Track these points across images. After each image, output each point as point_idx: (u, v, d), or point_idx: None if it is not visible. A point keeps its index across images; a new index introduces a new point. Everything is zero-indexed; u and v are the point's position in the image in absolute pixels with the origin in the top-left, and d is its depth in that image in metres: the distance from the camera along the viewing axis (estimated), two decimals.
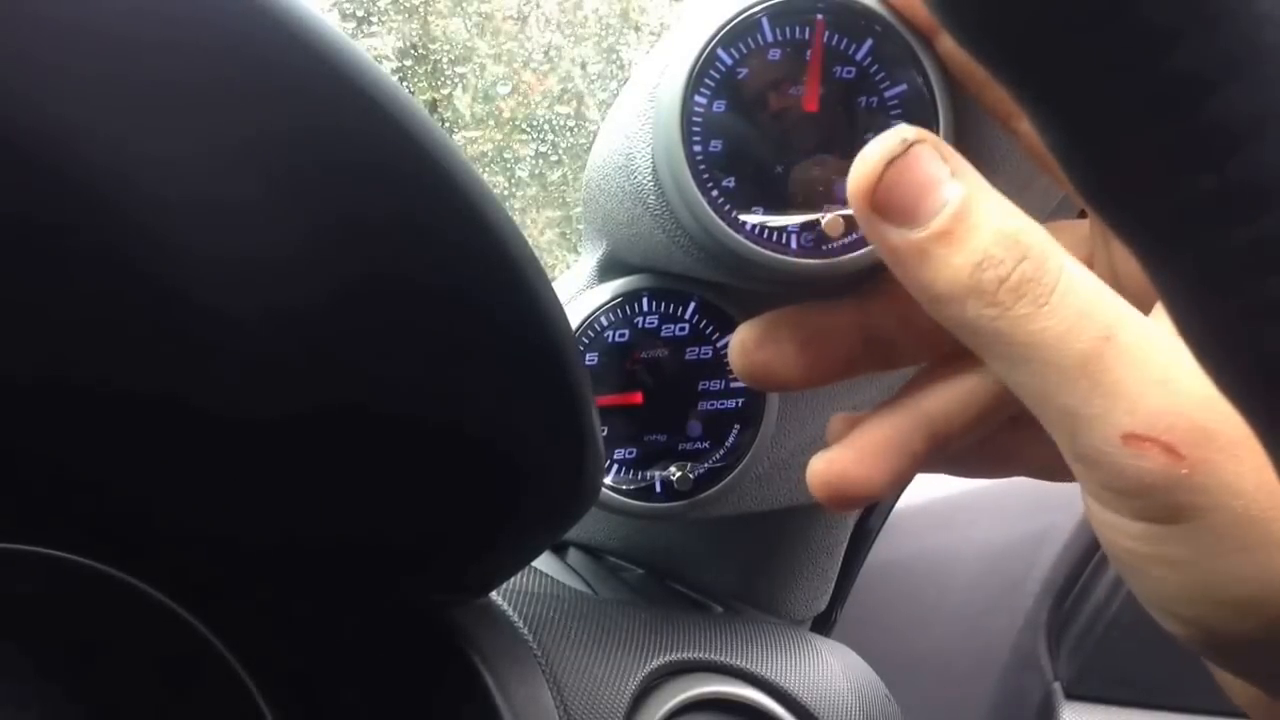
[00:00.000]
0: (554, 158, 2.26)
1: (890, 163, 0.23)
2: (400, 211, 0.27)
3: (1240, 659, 0.22)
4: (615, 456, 0.40)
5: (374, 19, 2.22)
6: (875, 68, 0.31)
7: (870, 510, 0.62)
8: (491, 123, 2.24)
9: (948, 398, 0.27)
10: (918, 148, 0.23)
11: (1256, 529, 0.20)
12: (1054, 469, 0.26)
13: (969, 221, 0.22)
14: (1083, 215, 0.31)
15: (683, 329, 0.40)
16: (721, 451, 0.41)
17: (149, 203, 0.27)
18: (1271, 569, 0.20)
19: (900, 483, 0.28)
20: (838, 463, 0.28)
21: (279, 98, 0.24)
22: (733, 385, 0.41)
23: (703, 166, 0.31)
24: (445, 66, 2.23)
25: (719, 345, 0.40)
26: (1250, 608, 0.20)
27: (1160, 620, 0.23)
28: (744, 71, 0.31)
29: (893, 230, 0.23)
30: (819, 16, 0.30)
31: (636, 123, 0.34)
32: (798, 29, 0.30)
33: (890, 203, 0.23)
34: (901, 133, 0.23)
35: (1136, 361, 0.21)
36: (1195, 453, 0.20)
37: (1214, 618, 0.21)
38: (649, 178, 0.34)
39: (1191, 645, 0.22)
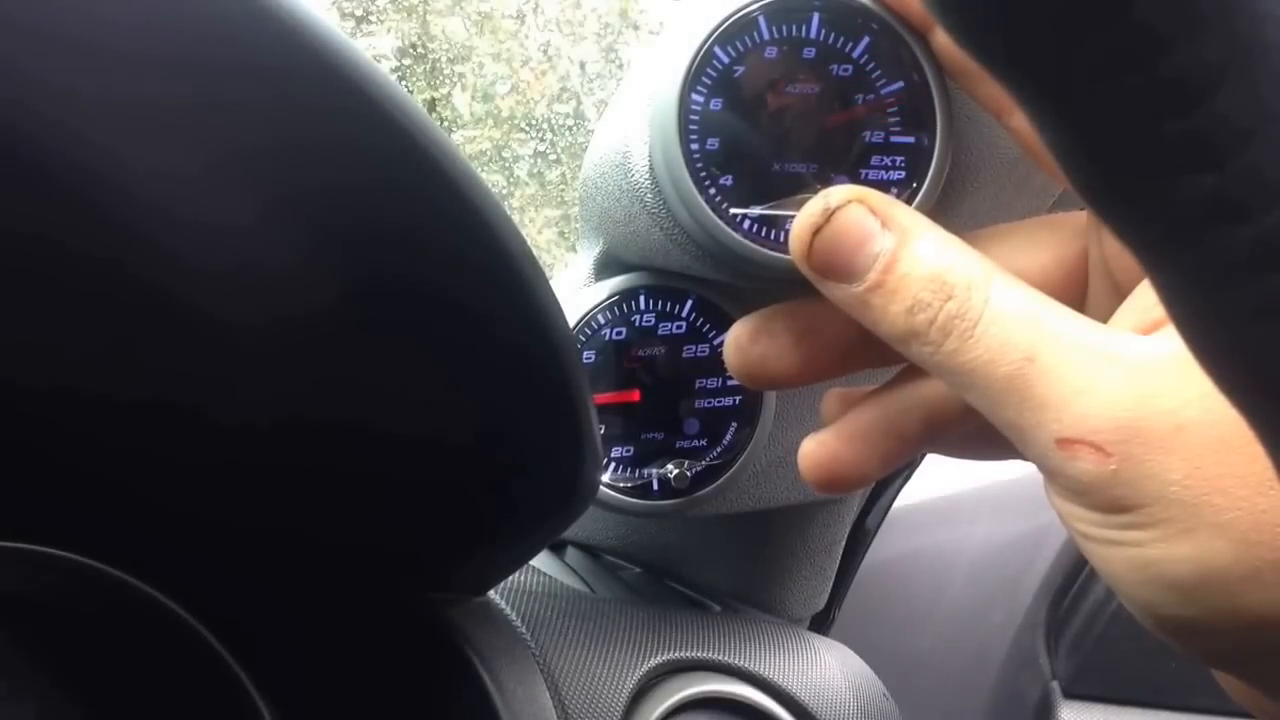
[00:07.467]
0: (552, 156, 2.26)
1: (816, 231, 0.25)
2: (400, 214, 0.27)
3: (1199, 645, 0.23)
4: (613, 454, 0.40)
5: (373, 18, 2.22)
6: (871, 65, 0.31)
7: (869, 508, 0.62)
8: (490, 121, 2.25)
9: (942, 384, 0.27)
10: (842, 211, 0.25)
11: (1192, 513, 0.21)
12: None
13: (897, 271, 0.25)
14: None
15: (680, 327, 0.40)
16: (719, 449, 0.41)
17: (153, 217, 0.27)
18: (1209, 551, 0.21)
19: (891, 466, 0.29)
20: (829, 444, 0.29)
21: (278, 106, 0.24)
22: (730, 383, 0.41)
23: (700, 164, 0.31)
24: (444, 65, 2.24)
25: (716, 343, 0.40)
26: (1193, 591, 0.21)
27: (1126, 605, 0.24)
28: (741, 70, 0.31)
29: (835, 286, 0.26)
30: (815, 14, 0.30)
31: (634, 121, 0.34)
32: (795, 27, 0.30)
33: (826, 265, 0.26)
34: (826, 198, 0.26)
35: (1057, 377, 0.22)
36: (1121, 449, 0.21)
37: (1163, 602, 0.22)
38: (646, 176, 0.34)
39: (1156, 632, 0.23)
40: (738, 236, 0.31)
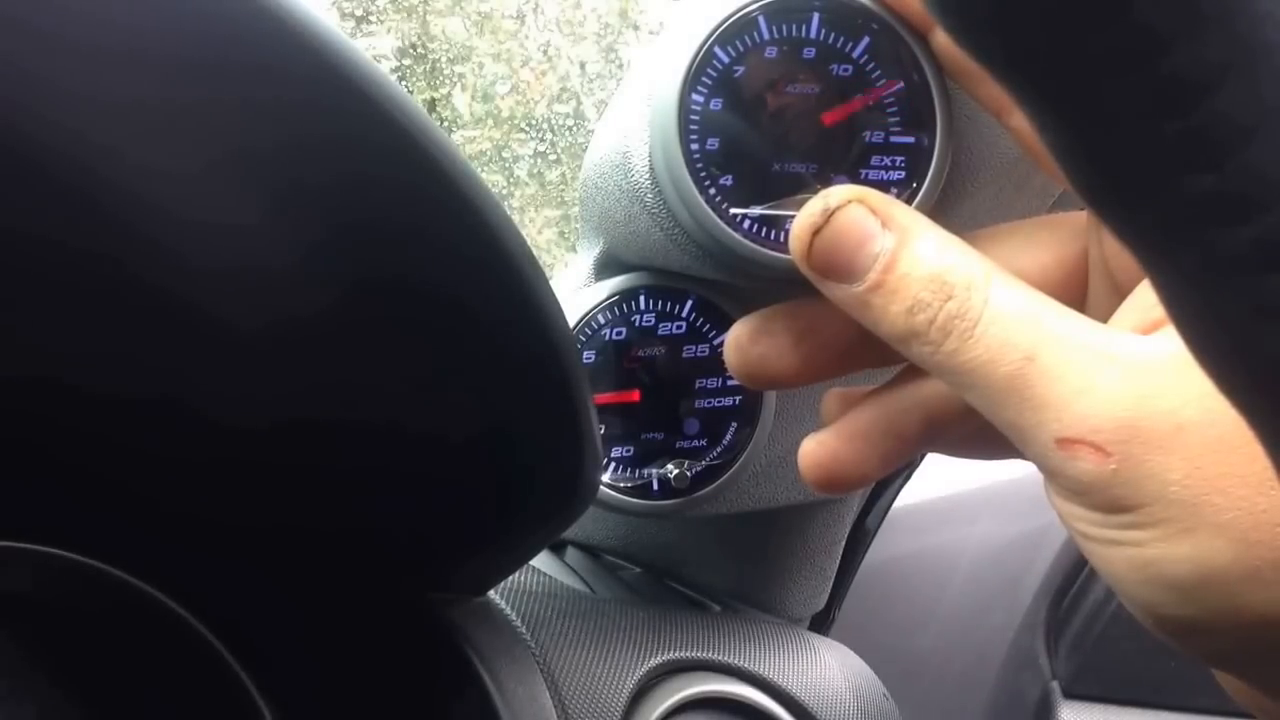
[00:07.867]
0: (552, 157, 2.26)
1: (816, 231, 0.26)
2: (400, 215, 0.27)
3: (1200, 645, 0.23)
4: (613, 454, 0.40)
5: (373, 18, 2.22)
6: (871, 65, 0.31)
7: (869, 508, 0.62)
8: (490, 122, 2.24)
9: (942, 384, 0.27)
10: (842, 211, 0.25)
11: (1192, 513, 0.21)
12: None
13: (898, 271, 0.25)
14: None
15: (680, 327, 0.40)
16: (719, 449, 0.41)
17: (154, 216, 0.27)
18: (1209, 551, 0.21)
19: (891, 466, 0.29)
20: (829, 444, 0.29)
21: (278, 106, 0.24)
22: (730, 383, 0.41)
23: (700, 164, 0.31)
24: (444, 65, 2.24)
25: (716, 343, 0.40)
26: (1193, 591, 0.21)
27: (1127, 605, 0.24)
28: (741, 70, 0.31)
29: (835, 286, 0.26)
30: (815, 14, 0.30)
31: (634, 121, 0.34)
32: (795, 27, 0.30)
33: (826, 265, 0.26)
34: (826, 198, 0.26)
35: (1057, 377, 0.22)
36: (1121, 449, 0.21)
37: (1163, 602, 0.22)
38: (646, 176, 0.34)
39: (1156, 632, 0.23)
40: (738, 236, 0.31)
